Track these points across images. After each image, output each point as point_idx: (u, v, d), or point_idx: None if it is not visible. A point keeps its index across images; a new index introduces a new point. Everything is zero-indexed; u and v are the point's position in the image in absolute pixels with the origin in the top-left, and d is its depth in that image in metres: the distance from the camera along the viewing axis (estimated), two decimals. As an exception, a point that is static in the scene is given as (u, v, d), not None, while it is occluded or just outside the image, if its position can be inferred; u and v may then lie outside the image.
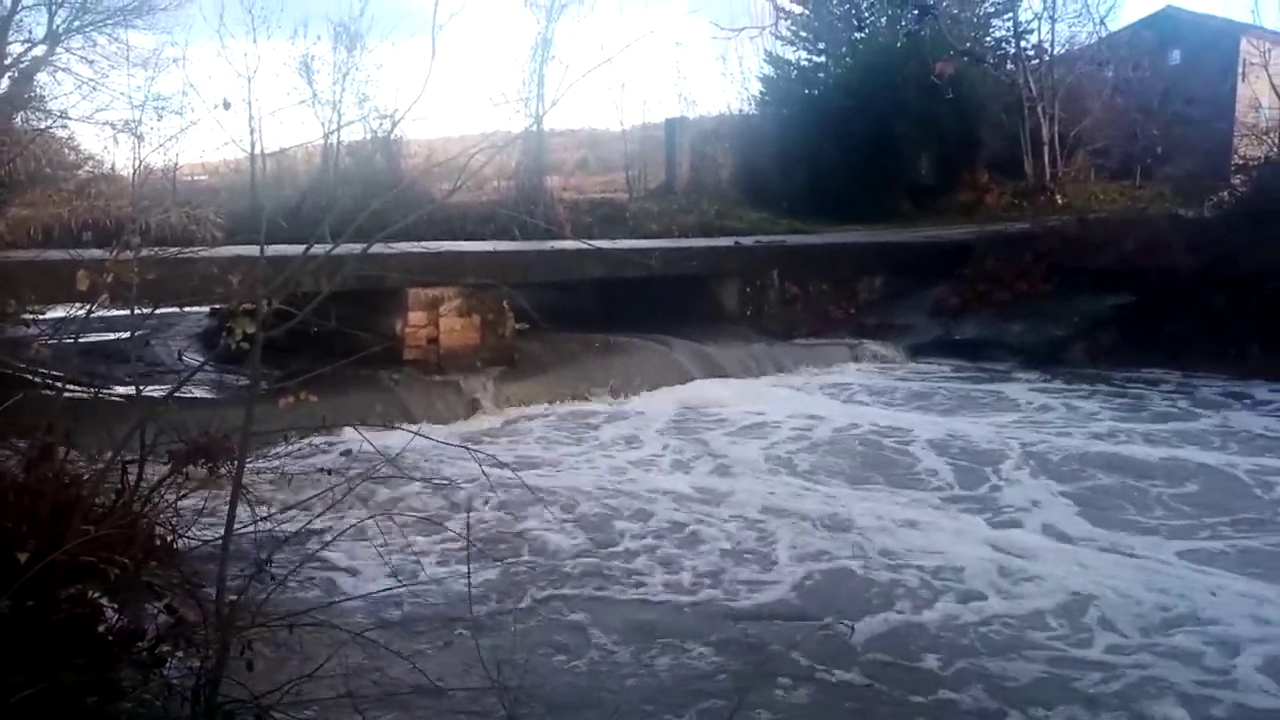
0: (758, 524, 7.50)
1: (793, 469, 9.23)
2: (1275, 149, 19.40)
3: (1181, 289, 14.48)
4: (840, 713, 4.75)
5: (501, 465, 5.27)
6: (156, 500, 5.16)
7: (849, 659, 5.25)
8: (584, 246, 13.60)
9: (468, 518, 6.17)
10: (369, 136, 21.85)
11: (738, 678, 4.97)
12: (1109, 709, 4.75)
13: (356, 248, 4.71)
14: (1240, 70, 25.25)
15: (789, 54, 29.36)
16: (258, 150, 19.90)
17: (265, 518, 4.68)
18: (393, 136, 20.72)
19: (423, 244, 12.61)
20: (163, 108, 19.85)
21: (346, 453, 7.61)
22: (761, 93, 29.62)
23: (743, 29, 24.27)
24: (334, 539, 4.55)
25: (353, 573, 5.89)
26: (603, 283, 14.59)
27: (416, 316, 11.72)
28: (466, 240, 15.45)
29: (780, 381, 13.46)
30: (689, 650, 5.40)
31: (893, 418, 11.27)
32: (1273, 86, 20.44)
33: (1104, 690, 4.93)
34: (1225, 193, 18.58)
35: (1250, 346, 13.81)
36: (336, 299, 4.87)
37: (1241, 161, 20.47)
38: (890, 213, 23.57)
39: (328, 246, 4.60)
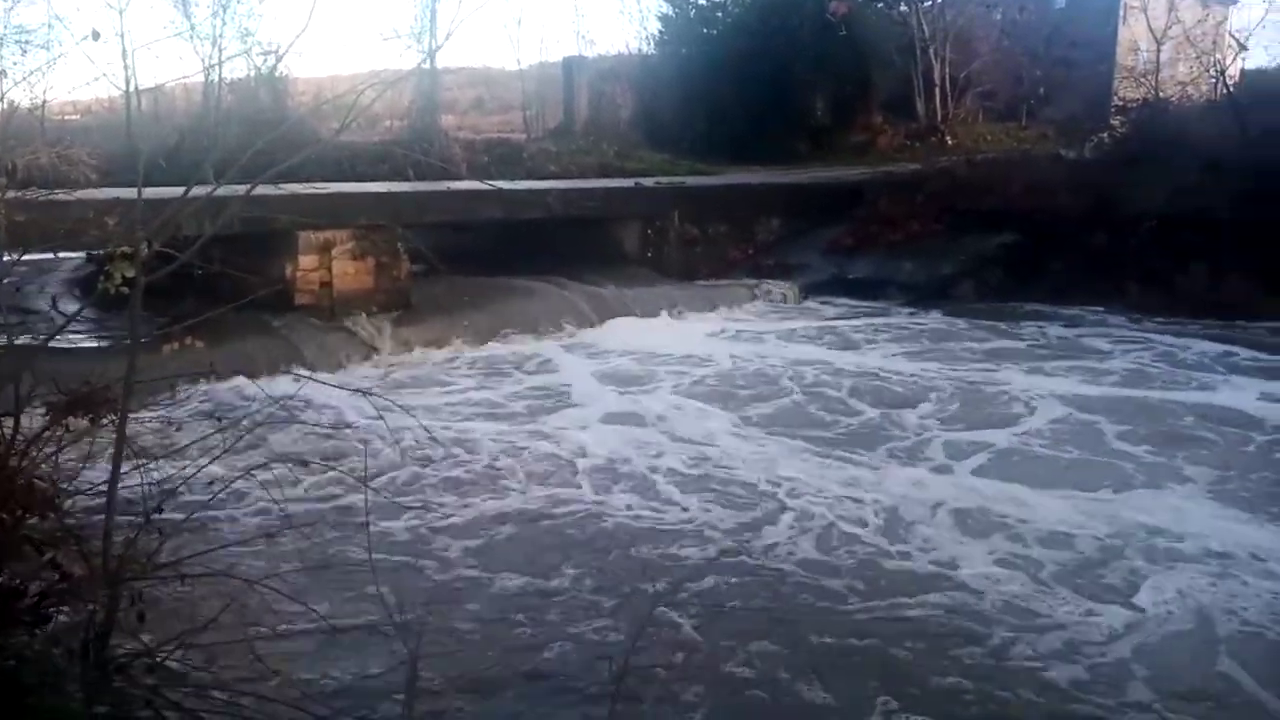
0: (649, 457, 7.65)
1: (684, 404, 9.38)
2: (1153, 91, 20.18)
3: (1064, 228, 15.06)
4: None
5: (397, 409, 5.20)
6: (35, 454, 4.95)
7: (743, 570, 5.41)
8: (481, 187, 13.34)
9: (365, 462, 6.10)
10: (252, 73, 20.91)
11: (635, 607, 5.09)
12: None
13: (241, 189, 4.54)
14: (1121, 14, 26.02)
15: (688, -8, 29.08)
16: (132, 88, 18.84)
17: (151, 467, 4.54)
18: (278, 74, 19.88)
19: (313, 185, 12.22)
20: (26, 41, 18.55)
21: (237, 399, 7.42)
22: (660, 32, 29.31)
23: (640, -35, 23.89)
24: (225, 487, 4.45)
25: (246, 520, 5.78)
26: (501, 224, 14.41)
27: (308, 260, 11.39)
28: (359, 181, 15.00)
29: (680, 322, 13.58)
30: (587, 581, 5.51)
31: (786, 353, 11.56)
32: (1150, 30, 21.17)
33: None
34: (1105, 134, 19.28)
35: (1128, 284, 14.48)
36: (222, 242, 4.72)
37: (1121, 104, 21.25)
38: (788, 153, 23.75)
39: (209, 188, 4.43)
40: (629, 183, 17.23)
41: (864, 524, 6.39)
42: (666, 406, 9.30)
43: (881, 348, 12.04)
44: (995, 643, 4.92)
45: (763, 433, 8.50)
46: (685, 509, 6.68)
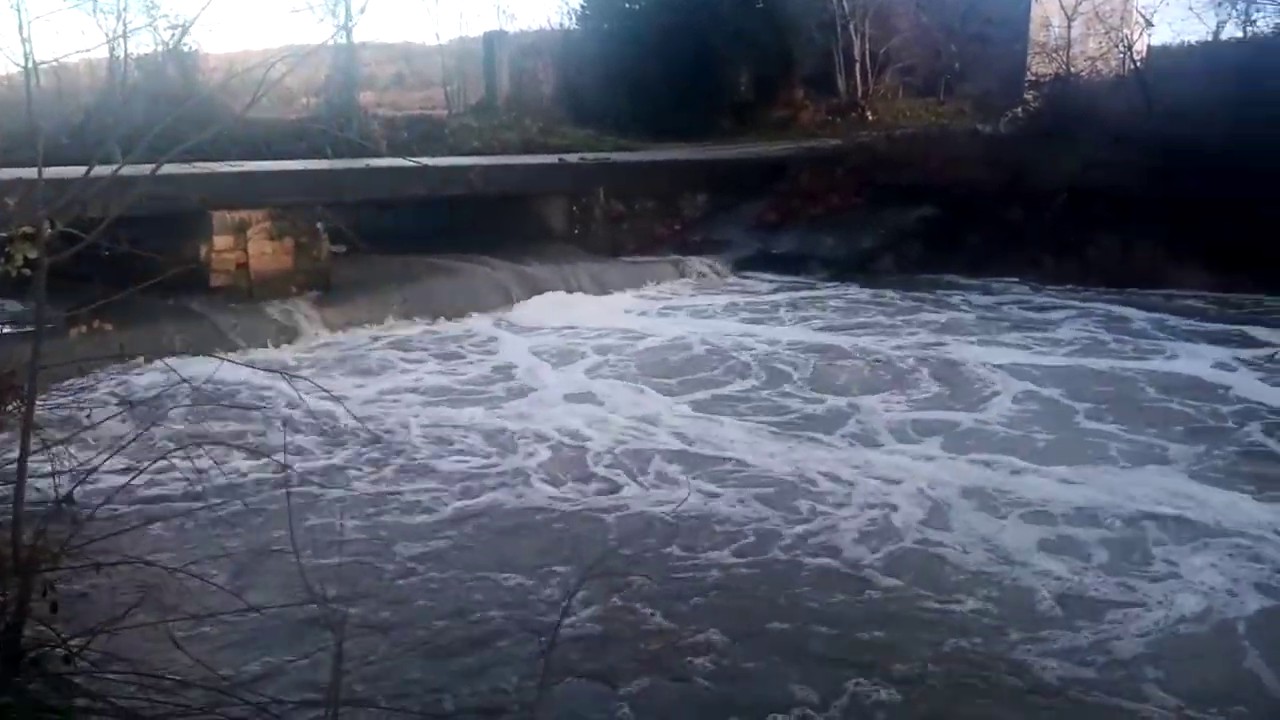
0: (577, 434, 7.68)
1: (614, 380, 9.40)
2: (1064, 67, 20.69)
3: (981, 202, 15.42)
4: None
5: (316, 390, 5.13)
6: (-65, 443, 4.77)
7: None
8: (402, 164, 13.12)
9: (284, 445, 6.00)
10: (159, 48, 20.22)
11: (565, 580, 5.12)
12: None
13: (148, 168, 4.40)
14: (1033, -10, 26.55)
15: (608, -34, 28.88)
16: (30, 64, 18.05)
17: (62, 454, 4.41)
18: (187, 49, 19.26)
19: (227, 164, 11.91)
20: (-86, 13, 17.65)
21: (151, 383, 7.22)
22: (583, 7, 29.07)
23: (559, -61, 23.63)
24: (139, 472, 4.33)
25: (164, 507, 5.65)
26: (424, 202, 14.20)
27: (222, 240, 11.10)
28: (275, 160, 14.64)
29: (608, 299, 13.58)
30: (517, 556, 5.53)
31: (719, 328, 11.68)
32: (1062, 6, 21.66)
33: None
34: (1019, 109, 19.73)
35: (1043, 255, 14.89)
36: (133, 223, 4.57)
37: (1034, 79, 21.74)
38: (712, 129, 23.83)
39: (114, 166, 4.28)
40: (553, 159, 17.14)
41: (842, 505, 6.37)
42: (598, 383, 9.32)
43: (816, 321, 12.20)
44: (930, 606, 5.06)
45: (696, 409, 8.53)
46: (621, 486, 6.71)
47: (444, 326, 11.67)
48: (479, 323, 11.88)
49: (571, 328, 11.62)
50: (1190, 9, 24.61)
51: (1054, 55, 21.85)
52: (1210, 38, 20.83)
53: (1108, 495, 6.40)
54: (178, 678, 3.74)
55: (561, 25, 29.85)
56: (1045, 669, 4.43)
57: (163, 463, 4.62)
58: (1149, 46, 24.17)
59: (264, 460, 6.03)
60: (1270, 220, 13.05)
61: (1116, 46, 20.39)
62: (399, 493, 6.49)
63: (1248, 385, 9.02)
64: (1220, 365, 9.70)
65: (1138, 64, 19.37)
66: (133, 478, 4.41)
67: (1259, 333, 11.01)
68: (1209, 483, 6.65)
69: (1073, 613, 4.94)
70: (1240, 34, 19.72)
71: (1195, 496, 6.38)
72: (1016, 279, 14.54)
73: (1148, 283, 13.78)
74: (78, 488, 4.58)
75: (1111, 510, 6.16)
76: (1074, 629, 4.77)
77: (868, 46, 25.13)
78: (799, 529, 5.93)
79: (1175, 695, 4.25)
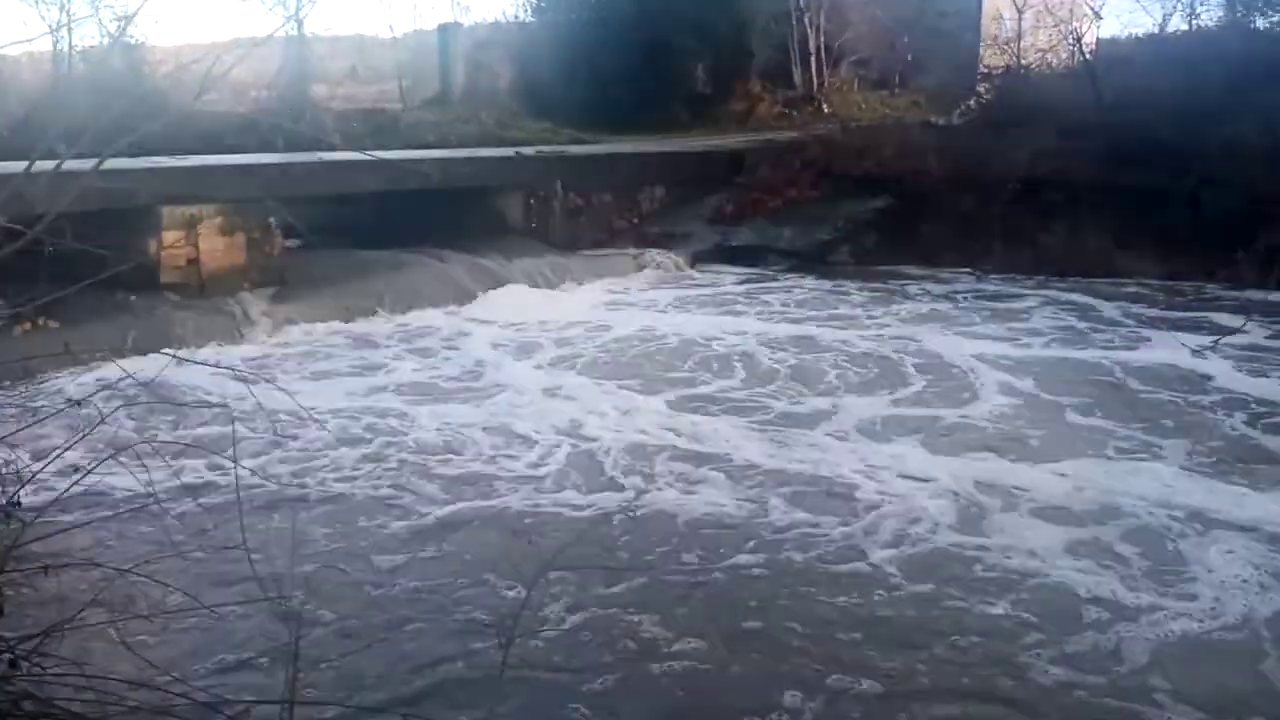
0: (523, 436, 7.59)
1: (576, 376, 9.38)
2: (1015, 59, 20.97)
3: (934, 193, 15.61)
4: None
5: (267, 386, 5.06)
6: (-127, 446, 4.64)
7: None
8: (356, 157, 12.96)
9: (234, 442, 5.92)
10: (105, 40, 19.79)
11: (520, 571, 5.10)
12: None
13: (94, 161, 4.31)
14: (985, -17, 26.85)
15: (565, -41, 28.73)
16: (-29, 56, 17.64)
17: (8, 455, 4.31)
18: (133, 40, 18.87)
19: (176, 158, 11.72)
20: None
21: (100, 382, 7.08)
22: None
23: (515, -69, 23.48)
24: (88, 472, 4.24)
25: (114, 507, 5.55)
26: (380, 196, 14.04)
27: (172, 236, 10.88)
28: (227, 154, 14.41)
29: (565, 293, 13.55)
30: (479, 553, 5.50)
31: (669, 321, 11.71)
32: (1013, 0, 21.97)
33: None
34: (972, 101, 19.97)
35: (994, 244, 15.10)
36: (80, 219, 4.48)
37: (986, 71, 22.03)
38: (669, 122, 23.85)
39: (57, 160, 4.19)
40: (510, 152, 17.04)
41: (812, 503, 6.39)
42: (562, 377, 9.28)
43: (781, 314, 12.26)
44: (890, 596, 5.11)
45: (658, 401, 8.51)
46: (583, 482, 6.70)
47: (401, 322, 11.57)
48: (437, 318, 11.79)
49: (530, 322, 11.58)
50: (1137, 2, 25.08)
51: (1005, 48, 22.15)
52: (1157, 30, 21.23)
53: (1112, 491, 6.35)
54: (129, 679, 3.68)
55: (517, 18, 29.66)
56: (1048, 672, 4.38)
57: (112, 463, 4.54)
58: (1098, 39, 24.56)
59: (216, 459, 5.94)
60: (1214, 208, 13.35)
61: (1066, 39, 20.68)
62: (355, 491, 6.43)
63: (1228, 374, 9.13)
64: (1197, 354, 9.70)
65: (1087, 56, 19.67)
66: (81, 477, 4.31)
67: (1222, 319, 11.19)
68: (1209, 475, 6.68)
69: (1092, 613, 4.87)
70: (1186, 26, 20.12)
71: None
72: (969, 269, 14.75)
73: (1097, 270, 14.04)
74: (24, 489, 4.48)
75: (1122, 507, 6.10)
76: (1097, 629, 4.70)
77: (823, 39, 25.28)
78: (771, 525, 5.95)
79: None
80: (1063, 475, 6.67)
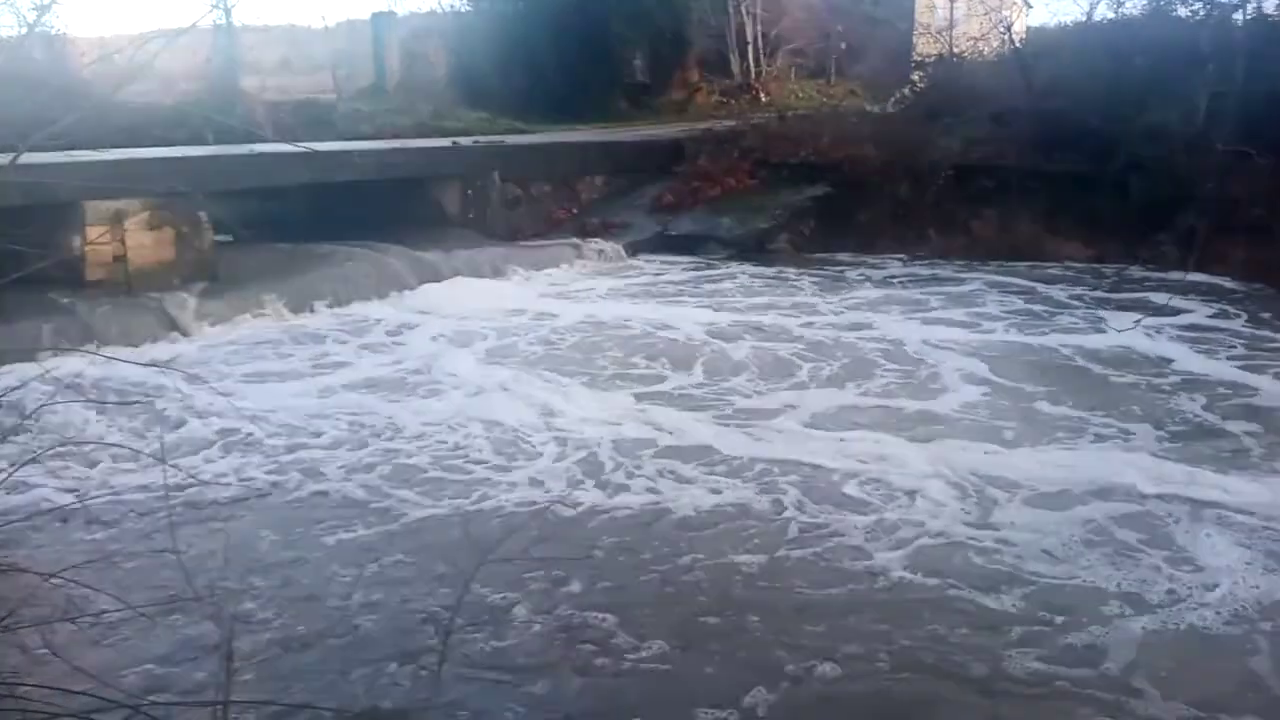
0: (462, 428, 7.54)
1: (515, 365, 9.33)
2: (947, 47, 21.26)
3: (871, 180, 15.79)
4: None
5: (196, 383, 4.96)
6: None
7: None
8: (288, 149, 12.74)
9: (162, 442, 5.79)
10: (23, 29, 19.15)
11: (460, 566, 5.07)
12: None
13: (10, 155, 4.17)
14: (919, -29, 27.18)
15: (500, -53, 28.47)
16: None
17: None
18: (53, 30, 18.32)
19: (100, 151, 11.41)
20: None
21: (21, 380, 6.88)
22: (475, -13, 28.68)
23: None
24: (9, 475, 4.12)
25: (38, 509, 5.40)
26: (313, 188, 13.80)
27: (96, 232, 10.57)
28: (155, 147, 14.05)
29: (506, 283, 13.45)
30: (416, 549, 5.46)
31: (608, 310, 11.69)
32: (944, -12, 22.28)
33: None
34: (906, 89, 20.22)
35: (928, 230, 15.34)
36: (-6, 213, 4.33)
37: (920, 59, 22.30)
38: (608, 112, 23.81)
39: (-32, 154, 4.05)
40: (446, 142, 16.88)
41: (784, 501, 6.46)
42: (501, 370, 9.22)
43: (720, 301, 12.28)
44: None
45: (615, 394, 8.49)
46: (524, 472, 6.67)
47: (337, 315, 11.39)
48: (373, 310, 11.63)
49: (469, 314, 11.47)
50: (1065, -9, 25.47)
51: (938, 36, 22.47)
52: (1084, 18, 21.64)
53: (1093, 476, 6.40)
54: (56, 686, 3.59)
55: (453, 7, 29.37)
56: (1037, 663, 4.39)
57: (34, 465, 4.42)
58: (1028, 27, 25.03)
59: (142, 459, 5.80)
60: (1138, 192, 13.70)
61: (997, 27, 21.02)
62: (288, 489, 6.32)
63: (1186, 357, 9.35)
64: (1148, 335, 9.91)
65: (1017, 44, 20.00)
66: (2, 481, 4.20)
67: (1159, 299, 11.39)
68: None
69: (1078, 602, 4.89)
70: (1112, 14, 20.54)
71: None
72: (905, 255, 14.97)
73: (1028, 254, 14.35)
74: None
75: (1105, 491, 6.15)
76: (1083, 618, 4.72)
77: (759, 28, 25.42)
78: (718, 516, 5.99)
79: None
80: (1040, 461, 6.71)
